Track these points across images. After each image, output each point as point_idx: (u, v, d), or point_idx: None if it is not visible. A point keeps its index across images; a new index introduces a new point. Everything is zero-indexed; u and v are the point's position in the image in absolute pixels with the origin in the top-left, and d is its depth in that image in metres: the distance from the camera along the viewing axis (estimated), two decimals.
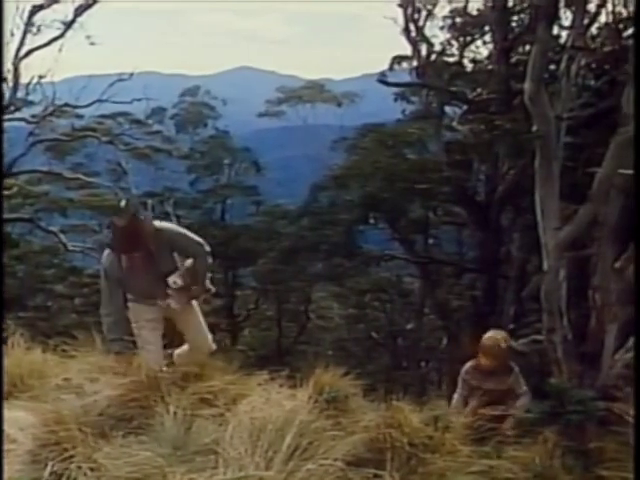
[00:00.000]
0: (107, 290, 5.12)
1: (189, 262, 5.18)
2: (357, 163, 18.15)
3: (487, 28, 16.40)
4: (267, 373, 4.64)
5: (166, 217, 22.97)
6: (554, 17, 8.41)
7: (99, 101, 22.38)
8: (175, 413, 3.83)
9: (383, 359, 22.88)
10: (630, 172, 7.22)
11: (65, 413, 3.75)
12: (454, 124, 16.12)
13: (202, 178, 26.51)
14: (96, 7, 18.46)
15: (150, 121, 28.31)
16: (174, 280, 5.03)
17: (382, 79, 16.19)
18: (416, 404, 4.36)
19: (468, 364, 5.63)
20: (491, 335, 5.62)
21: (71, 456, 3.44)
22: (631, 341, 8.34)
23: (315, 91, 30.20)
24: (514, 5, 15.32)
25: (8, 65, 18.11)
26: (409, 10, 16.65)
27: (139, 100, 25.29)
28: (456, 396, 5.64)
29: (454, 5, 17.17)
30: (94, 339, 5.10)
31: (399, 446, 3.60)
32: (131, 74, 21.79)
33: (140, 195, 22.94)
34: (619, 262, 8.31)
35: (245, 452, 3.49)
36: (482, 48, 17.47)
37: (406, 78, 18.37)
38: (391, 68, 18.73)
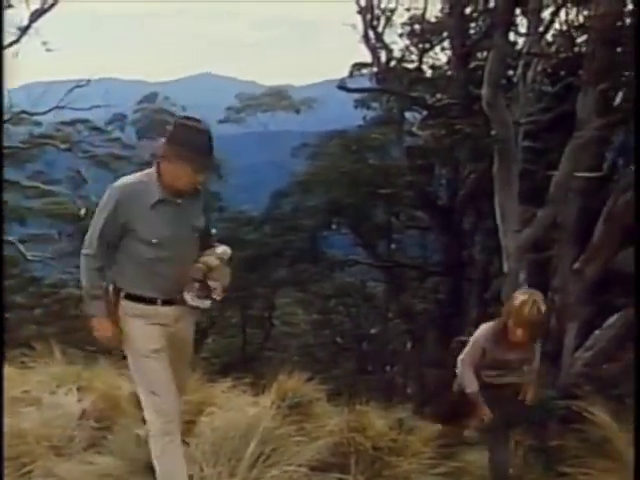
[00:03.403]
0: (101, 217, 3.50)
1: (220, 251, 3.71)
2: (321, 169, 18.19)
3: (445, 35, 16.58)
4: (230, 380, 4.61)
5: None
6: (510, 24, 8.56)
7: (57, 108, 22.04)
8: (136, 425, 3.78)
9: (348, 364, 22.89)
10: (586, 175, 7.39)
11: (24, 427, 3.68)
12: (415, 129, 16.25)
13: None
14: (53, 12, 18.14)
15: (110, 128, 27.99)
16: (207, 262, 3.56)
17: (342, 85, 16.24)
18: (381, 408, 4.38)
19: (489, 328, 4.27)
20: (529, 297, 4.14)
21: (30, 471, 3.39)
22: (590, 340, 8.50)
23: (275, 97, 30.21)
24: (471, 12, 15.52)
25: None
26: (368, 17, 16.75)
27: (98, 107, 24.99)
28: (463, 369, 4.27)
29: (413, 12, 17.33)
30: (53, 350, 5.00)
31: (363, 450, 3.61)
32: (88, 80, 21.51)
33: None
34: (578, 263, 8.46)
35: (208, 461, 3.47)
36: (441, 54, 17.69)
37: (366, 84, 18.48)
38: (351, 74, 18.83)
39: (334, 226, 18.52)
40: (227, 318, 24.91)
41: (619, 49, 8.77)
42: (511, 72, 11.41)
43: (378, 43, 17.10)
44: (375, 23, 16.92)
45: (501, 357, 4.23)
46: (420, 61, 17.65)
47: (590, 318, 8.84)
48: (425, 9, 16.97)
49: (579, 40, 12.41)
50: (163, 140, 3.49)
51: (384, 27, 17.05)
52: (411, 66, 17.81)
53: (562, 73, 11.98)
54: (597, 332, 8.57)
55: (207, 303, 3.57)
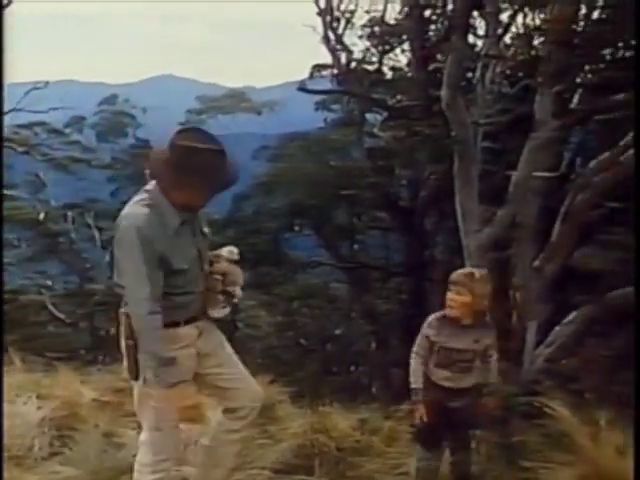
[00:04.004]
0: (140, 266, 3.05)
1: (227, 252, 3.49)
2: (282, 171, 18.16)
3: (405, 37, 16.70)
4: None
5: (87, 229, 22.46)
6: (468, 27, 8.67)
7: (15, 110, 21.66)
8: (98, 432, 3.74)
9: (313, 365, 22.87)
10: (544, 174, 7.51)
11: None
12: (375, 131, 16.34)
13: (124, 188, 26.01)
14: (7, 12, 17.81)
15: (68, 130, 27.59)
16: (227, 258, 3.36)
17: (303, 87, 16.26)
18: (345, 409, 4.39)
19: (433, 316, 4.11)
20: (464, 270, 4.18)
21: None
22: (550, 336, 8.65)
23: (236, 99, 30.11)
24: (430, 15, 15.66)
25: None
26: (328, 19, 16.80)
27: (56, 109, 24.62)
28: (413, 362, 4.09)
29: (372, 14, 17.42)
30: (12, 358, 4.91)
31: (327, 451, 3.61)
32: (47, 82, 21.20)
33: (60, 207, 22.30)
34: (538, 261, 8.60)
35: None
36: (401, 56, 17.81)
37: (327, 86, 18.51)
38: (311, 76, 18.85)
39: (296, 228, 18.52)
40: None
41: (574, 51, 8.93)
42: (470, 74, 11.56)
43: (338, 45, 17.17)
44: (335, 25, 16.99)
45: (450, 345, 4.00)
46: (380, 63, 17.75)
47: (550, 315, 8.98)
48: (384, 11, 17.10)
49: (537, 43, 12.62)
50: (162, 165, 3.06)
51: (344, 29, 17.14)
52: (371, 68, 17.91)
53: (520, 75, 12.15)
54: (557, 328, 8.72)
55: (227, 310, 3.40)
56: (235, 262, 3.44)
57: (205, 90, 39.92)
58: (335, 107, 20.49)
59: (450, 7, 13.17)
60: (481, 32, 12.24)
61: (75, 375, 4.97)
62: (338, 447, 3.55)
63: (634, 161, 7.03)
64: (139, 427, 3.37)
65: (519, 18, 12.99)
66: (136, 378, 3.18)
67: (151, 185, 3.18)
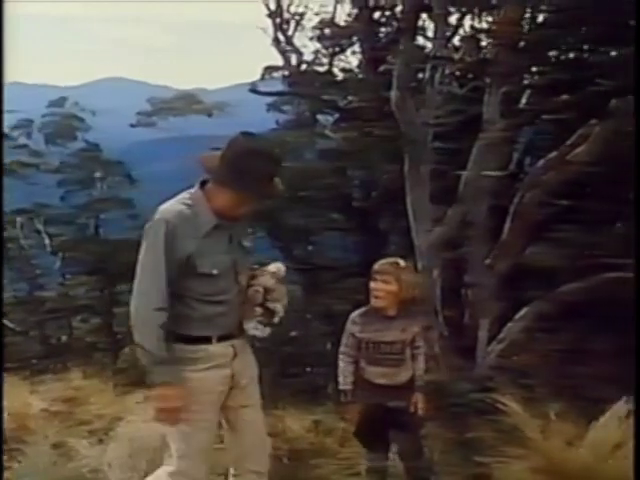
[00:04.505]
0: (158, 259, 2.97)
1: (274, 268, 3.28)
2: None
3: (355, 39, 16.79)
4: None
5: (37, 235, 22.03)
6: (416, 29, 8.78)
7: None
8: (48, 444, 3.66)
9: (269, 367, 22.81)
10: (493, 174, 7.64)
11: None
12: (327, 132, 16.39)
13: (74, 193, 25.59)
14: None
15: (16, 134, 27.02)
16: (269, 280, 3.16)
17: (253, 88, 16.24)
18: (300, 411, 4.39)
19: (356, 312, 4.03)
20: (389, 259, 4.07)
21: None
22: (502, 333, 8.80)
23: (187, 101, 29.90)
24: (380, 17, 15.77)
25: None
26: (278, 20, 16.81)
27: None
28: (341, 362, 3.97)
29: (322, 16, 17.47)
30: None
31: (282, 454, 3.60)
32: None
33: (9, 213, 21.82)
34: (489, 259, 8.74)
35: (125, 475, 3.40)
36: (352, 58, 17.90)
37: (279, 87, 18.52)
38: (263, 78, 18.83)
39: (250, 230, 18.44)
40: None
41: (521, 53, 9.11)
42: (421, 75, 11.68)
43: (288, 46, 17.19)
44: (285, 26, 17.01)
45: (378, 338, 3.89)
46: (331, 64, 17.83)
47: (503, 312, 9.13)
48: (334, 13, 17.17)
49: (485, 44, 12.82)
50: (218, 160, 2.99)
51: (294, 30, 17.17)
52: (322, 69, 17.97)
53: (470, 76, 12.32)
54: (509, 325, 8.87)
55: (267, 330, 3.12)
56: (280, 280, 3.24)
57: (156, 92, 39.55)
58: (287, 108, 20.50)
59: (399, 9, 13.31)
60: (431, 34, 12.38)
61: (25, 385, 4.86)
62: (292, 449, 3.55)
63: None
64: (90, 436, 3.33)
65: (468, 21, 13.20)
66: None
67: (195, 187, 3.13)
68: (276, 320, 3.15)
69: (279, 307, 3.17)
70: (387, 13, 15.28)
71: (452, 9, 11.57)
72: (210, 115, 29.30)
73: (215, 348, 3.04)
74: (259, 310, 3.11)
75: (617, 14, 8.73)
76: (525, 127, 11.17)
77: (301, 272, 19.14)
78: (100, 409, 4.16)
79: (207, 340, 3.02)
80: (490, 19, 11.91)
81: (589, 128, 8.66)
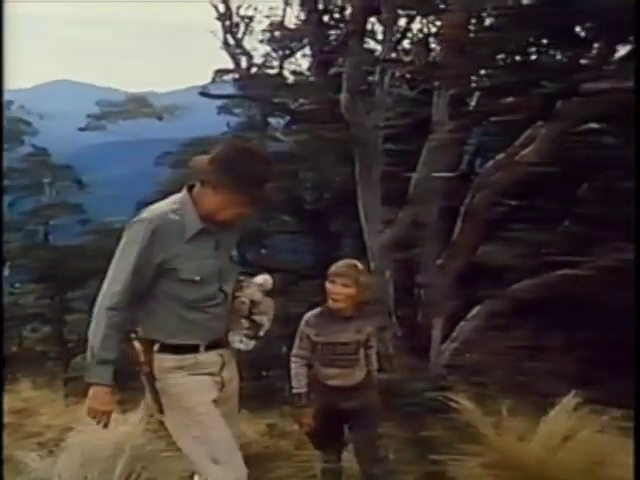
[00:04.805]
0: (131, 261, 2.88)
1: (261, 280, 3.19)
2: (185, 177, 17.94)
3: (305, 41, 16.85)
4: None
5: None
6: (364, 32, 8.85)
7: None
8: None
9: None
10: (443, 175, 7.74)
11: None
12: (278, 135, 16.40)
13: (22, 199, 25.08)
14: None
15: None
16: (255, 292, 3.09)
17: (204, 92, 16.15)
18: (254, 415, 4.36)
19: (309, 314, 3.99)
20: (346, 261, 4.04)
21: None
22: (455, 331, 8.91)
23: (137, 104, 29.62)
24: (329, 20, 15.85)
25: None
26: (227, 23, 16.76)
27: None
28: (294, 365, 3.95)
29: (272, 19, 17.50)
30: None
31: None
32: None
33: None
34: (440, 259, 8.84)
35: None
36: (302, 60, 17.96)
37: (229, 90, 18.48)
38: (213, 81, 18.78)
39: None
40: None
41: (469, 56, 9.24)
42: (372, 78, 11.78)
43: (238, 49, 17.17)
44: (235, 29, 16.98)
45: (334, 340, 3.87)
46: (281, 67, 17.86)
47: (456, 311, 9.25)
48: (284, 16, 17.21)
49: (434, 47, 12.99)
50: (208, 162, 2.92)
51: (244, 33, 17.15)
52: (272, 72, 17.99)
53: (420, 79, 12.46)
54: (461, 323, 8.99)
55: (252, 344, 3.04)
56: (267, 292, 3.16)
57: (105, 95, 39.04)
58: (238, 111, 20.48)
59: (349, 12, 13.37)
60: (380, 37, 12.49)
61: None
62: (246, 454, 3.52)
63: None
64: (40, 448, 3.26)
65: (417, 24, 13.36)
66: (162, 411, 2.95)
67: (182, 191, 3.04)
68: (261, 333, 3.08)
69: (265, 320, 3.09)
70: (336, 16, 15.36)
71: (401, 12, 11.68)
72: (161, 118, 29.08)
73: (203, 357, 2.97)
74: (245, 323, 3.05)
75: (561, 18, 8.93)
76: (475, 129, 11.35)
77: (254, 276, 19.11)
78: (50, 420, 4.07)
79: (195, 349, 2.95)
80: (438, 22, 12.08)
81: (536, 129, 8.84)
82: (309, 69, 17.06)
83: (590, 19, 8.94)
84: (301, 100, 15.66)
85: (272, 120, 18.24)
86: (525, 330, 9.87)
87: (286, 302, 18.77)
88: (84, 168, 28.52)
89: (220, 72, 18.88)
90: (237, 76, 17.71)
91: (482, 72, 11.47)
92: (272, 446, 3.78)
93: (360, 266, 3.96)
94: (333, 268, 3.93)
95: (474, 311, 9.01)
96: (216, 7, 16.66)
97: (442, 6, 10.59)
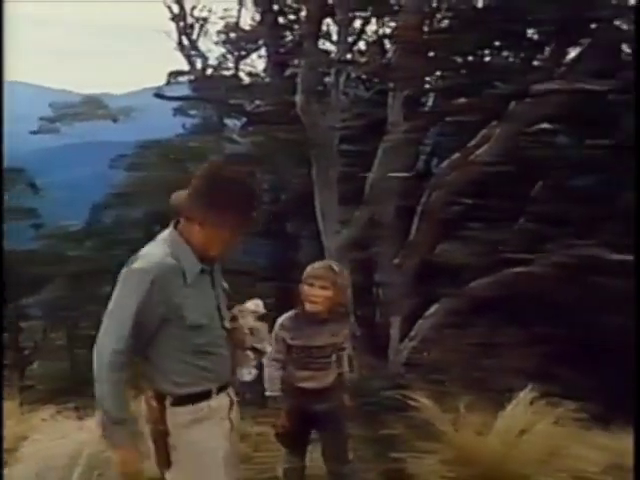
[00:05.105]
0: (132, 308, 2.66)
1: (253, 307, 3.07)
2: (141, 179, 17.79)
3: (261, 42, 16.82)
4: (54, 407, 4.36)
5: None
6: (319, 33, 8.88)
7: None
8: None
9: None
10: (398, 175, 7.80)
11: None
12: (235, 136, 16.34)
13: None
14: None
15: None
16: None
17: (159, 93, 16.00)
18: None
19: (284, 317, 3.88)
20: (319, 262, 4.00)
21: None
22: (413, 330, 8.99)
23: (92, 106, 29.18)
24: (285, 21, 15.86)
25: None
26: (181, 24, 16.64)
27: None
28: (269, 369, 3.82)
29: (227, 20, 17.43)
30: None
31: None
32: None
33: None
34: (398, 258, 8.91)
35: None
36: (258, 62, 17.93)
37: (185, 92, 18.35)
38: (168, 82, 18.63)
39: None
40: (52, 340, 23.64)
41: (423, 57, 9.33)
42: (328, 79, 11.82)
43: (193, 50, 17.06)
44: (189, 30, 16.86)
45: (308, 343, 3.82)
46: (237, 68, 17.81)
47: (414, 309, 9.33)
48: (239, 17, 17.16)
49: (389, 48, 13.09)
50: (188, 195, 2.70)
51: (198, 35, 17.05)
52: (228, 73, 17.92)
53: (376, 80, 12.55)
54: (419, 322, 9.07)
55: (255, 372, 2.94)
56: (261, 317, 3.03)
57: (58, 97, 38.35)
58: (194, 113, 20.34)
59: (304, 13, 13.40)
60: (336, 38, 12.54)
61: None
62: None
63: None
64: None
65: (372, 25, 13.46)
66: (168, 465, 2.75)
67: (169, 229, 2.78)
68: (264, 360, 3.04)
69: (266, 346, 3.01)
70: (291, 17, 15.38)
71: (356, 14, 11.76)
72: (116, 120, 28.69)
73: (215, 402, 2.79)
74: (251, 354, 2.94)
75: (513, 21, 9.09)
76: (431, 129, 11.47)
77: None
78: (5, 429, 3.98)
79: (207, 395, 2.77)
80: (393, 24, 12.17)
81: (491, 129, 8.98)
82: (265, 70, 17.04)
83: (541, 22, 9.11)
84: (257, 101, 15.62)
85: (228, 122, 18.16)
86: (482, 327, 10.02)
87: (243, 304, 18.78)
88: (38, 171, 27.98)
89: (175, 73, 18.73)
90: (192, 78, 17.60)
91: (437, 73, 11.60)
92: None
93: (336, 268, 3.91)
94: (310, 270, 3.85)
95: (432, 309, 9.10)
96: (170, 8, 16.54)
97: (396, 8, 10.70)
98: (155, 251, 2.70)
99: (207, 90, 17.18)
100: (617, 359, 10.38)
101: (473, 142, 8.98)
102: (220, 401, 2.80)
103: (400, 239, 9.12)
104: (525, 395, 4.58)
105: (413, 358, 8.51)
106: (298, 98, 8.57)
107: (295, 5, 14.83)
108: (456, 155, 9.03)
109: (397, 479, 4.46)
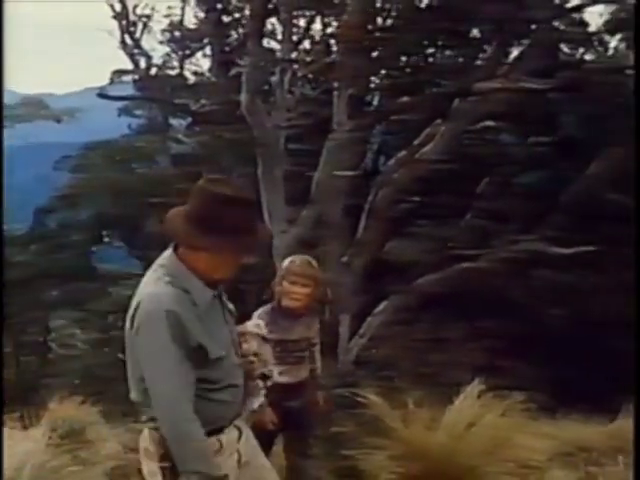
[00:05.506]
0: (173, 359, 2.41)
1: (256, 329, 2.89)
2: (86, 181, 17.48)
3: (206, 41, 16.68)
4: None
5: None
6: (262, 32, 8.85)
7: None
8: None
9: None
10: (345, 173, 7.82)
11: None
12: (180, 136, 16.19)
13: None
14: None
15: None
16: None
17: (103, 93, 15.74)
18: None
19: (260, 311, 3.82)
20: (299, 256, 3.98)
21: None
22: (363, 327, 9.04)
23: (33, 107, 28.45)
24: (230, 20, 15.76)
25: None
26: (124, 23, 16.39)
27: None
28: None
29: (172, 19, 17.23)
30: None
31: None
32: None
33: None
34: (346, 257, 8.94)
35: None
36: (203, 61, 17.77)
37: (129, 91, 18.08)
38: (112, 82, 18.32)
39: (106, 239, 17.88)
40: None
41: (367, 56, 9.39)
42: (273, 78, 11.79)
43: (137, 49, 16.82)
44: (132, 29, 16.61)
45: (284, 337, 3.78)
46: (182, 67, 17.63)
47: (363, 307, 9.38)
48: (182, 16, 16.97)
49: (335, 48, 13.13)
50: (182, 219, 2.46)
51: (142, 33, 16.81)
52: (173, 73, 17.73)
53: (322, 79, 12.57)
54: (369, 319, 9.12)
55: (263, 400, 2.79)
56: (264, 338, 2.85)
57: None
58: (139, 113, 20.04)
59: (247, 12, 13.34)
60: (281, 37, 12.52)
61: None
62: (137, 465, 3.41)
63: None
64: None
65: (317, 24, 13.48)
66: None
67: (167, 255, 2.52)
68: (269, 383, 2.83)
69: (272, 369, 2.86)
70: (236, 16, 15.29)
71: (300, 13, 11.75)
72: (59, 121, 28.03)
73: (225, 437, 2.57)
74: (260, 383, 2.78)
75: (456, 21, 9.21)
76: (378, 127, 11.55)
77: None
78: None
79: (220, 429, 2.56)
80: (337, 23, 12.21)
81: (435, 127, 9.08)
82: (210, 70, 16.90)
83: (482, 22, 9.27)
84: (203, 101, 15.48)
85: (174, 121, 17.96)
86: (430, 323, 10.15)
87: None
88: None
89: (118, 73, 18.43)
90: (137, 77, 17.35)
91: (382, 72, 11.68)
92: None
93: (314, 263, 3.88)
94: (291, 267, 3.80)
95: (381, 306, 9.16)
96: (112, 6, 16.27)
97: (340, 7, 10.73)
98: (159, 286, 2.44)
99: (152, 90, 16.97)
100: (562, 350, 10.66)
101: (418, 140, 9.07)
102: (230, 435, 2.60)
103: (348, 237, 9.15)
104: (472, 389, 4.63)
105: (363, 355, 8.56)
106: (243, 97, 8.53)
107: (239, 4, 14.75)
108: (402, 153, 9.10)
109: (348, 476, 4.48)
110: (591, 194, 11.30)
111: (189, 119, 16.47)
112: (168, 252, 2.52)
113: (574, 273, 10.61)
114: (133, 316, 2.44)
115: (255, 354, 2.75)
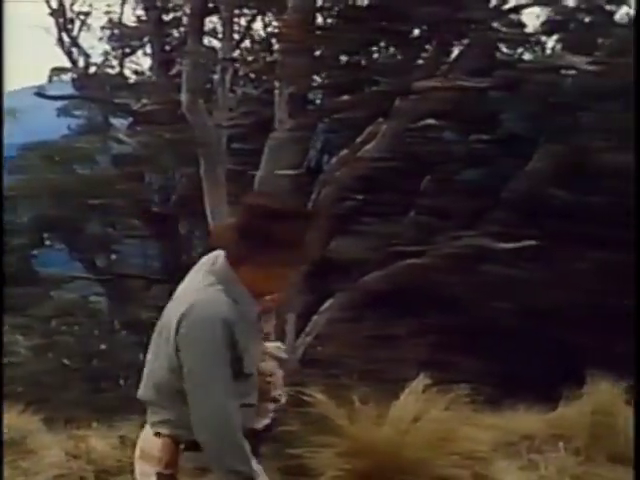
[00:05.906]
0: (224, 365, 2.38)
1: (277, 352, 2.80)
2: (25, 183, 17.04)
3: (146, 40, 16.42)
4: None
5: None
6: (202, 31, 8.78)
7: None
8: None
9: (80, 385, 21.79)
10: (287, 172, 7.82)
11: None
12: (121, 136, 15.93)
13: None
14: None
15: None
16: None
17: (40, 92, 15.37)
18: (107, 427, 4.20)
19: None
20: None
21: None
22: (309, 326, 9.07)
23: None
24: (170, 18, 15.57)
25: None
26: (61, 20, 16.00)
27: None
28: None
29: (111, 16, 16.88)
30: None
31: (88, 476, 3.42)
32: None
33: None
34: None
35: None
36: (143, 59, 17.49)
37: (69, 91, 17.68)
38: (50, 80, 17.89)
39: (47, 242, 17.48)
40: None
41: (308, 55, 9.40)
42: (214, 77, 11.70)
43: (74, 47, 16.44)
44: (69, 26, 16.22)
45: None
46: (122, 66, 17.31)
47: (309, 305, 9.40)
48: (122, 13, 16.65)
49: (276, 47, 13.11)
50: (233, 232, 2.41)
51: (79, 30, 16.43)
52: (113, 71, 17.42)
53: (264, 78, 12.54)
54: (314, 317, 9.15)
55: (268, 420, 2.67)
56: (280, 361, 2.76)
57: None
58: (78, 113, 19.63)
59: (188, 10, 13.21)
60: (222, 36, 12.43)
61: None
62: (98, 470, 3.36)
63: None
64: None
65: (258, 23, 13.43)
66: None
67: (219, 263, 2.45)
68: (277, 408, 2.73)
69: (283, 395, 2.75)
70: (177, 14, 15.12)
71: (241, 11, 11.69)
72: None
73: None
74: (271, 406, 2.69)
75: (394, 20, 9.30)
76: (321, 126, 11.58)
77: (104, 283, 18.49)
78: None
79: None
80: (278, 22, 12.20)
81: (377, 126, 9.15)
82: (150, 68, 16.66)
83: (420, 22, 9.38)
84: (143, 100, 15.25)
85: (115, 121, 17.65)
86: (376, 320, 10.23)
87: (138, 308, 18.34)
88: None
89: (57, 71, 17.99)
90: (75, 76, 16.97)
91: (323, 71, 11.72)
92: (125, 459, 3.61)
93: None
94: None
95: (326, 304, 9.19)
96: (48, 2, 15.86)
97: (281, 6, 10.72)
98: (215, 296, 2.39)
99: (91, 89, 16.64)
100: (506, 343, 10.89)
101: (361, 138, 9.12)
102: None
103: None
104: (418, 384, 4.68)
105: (309, 354, 8.57)
106: (184, 97, 8.45)
107: (179, 2, 14.58)
108: (344, 152, 9.15)
109: (295, 474, 4.48)
110: (531, 190, 11.58)
111: (130, 119, 16.22)
112: (220, 259, 2.45)
113: (517, 267, 10.84)
114: (180, 320, 2.36)
115: (271, 375, 2.67)
